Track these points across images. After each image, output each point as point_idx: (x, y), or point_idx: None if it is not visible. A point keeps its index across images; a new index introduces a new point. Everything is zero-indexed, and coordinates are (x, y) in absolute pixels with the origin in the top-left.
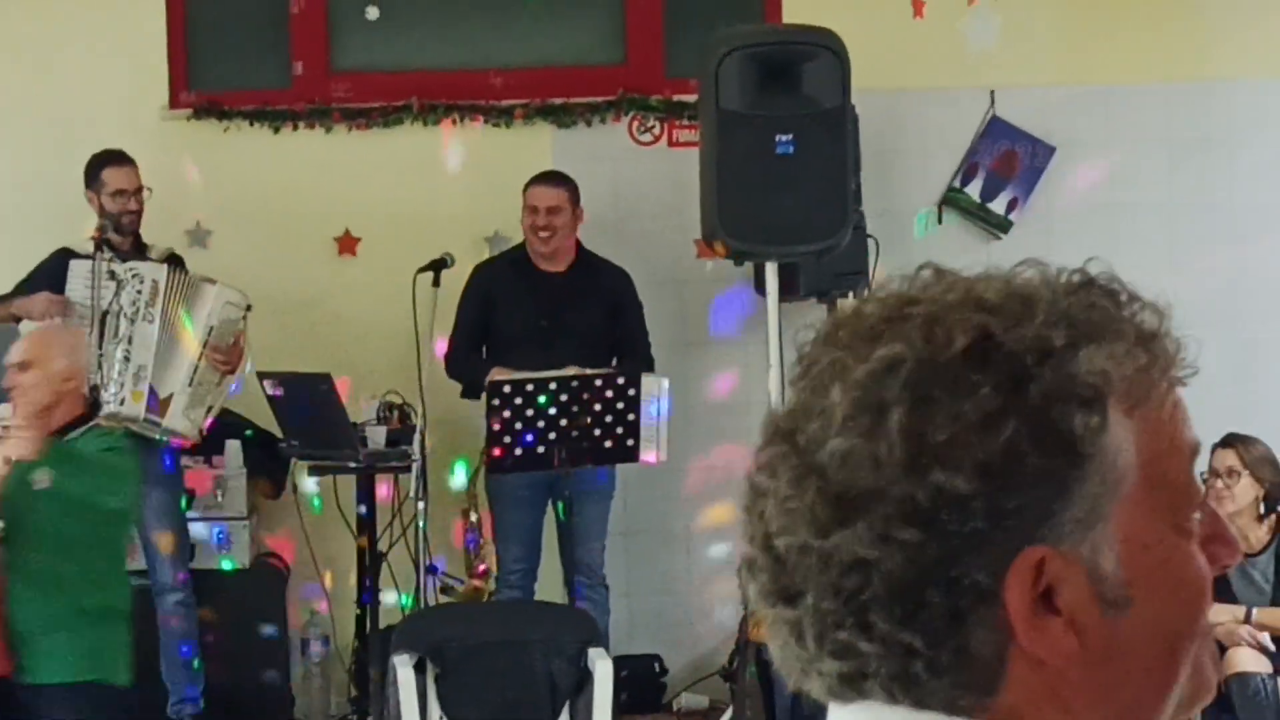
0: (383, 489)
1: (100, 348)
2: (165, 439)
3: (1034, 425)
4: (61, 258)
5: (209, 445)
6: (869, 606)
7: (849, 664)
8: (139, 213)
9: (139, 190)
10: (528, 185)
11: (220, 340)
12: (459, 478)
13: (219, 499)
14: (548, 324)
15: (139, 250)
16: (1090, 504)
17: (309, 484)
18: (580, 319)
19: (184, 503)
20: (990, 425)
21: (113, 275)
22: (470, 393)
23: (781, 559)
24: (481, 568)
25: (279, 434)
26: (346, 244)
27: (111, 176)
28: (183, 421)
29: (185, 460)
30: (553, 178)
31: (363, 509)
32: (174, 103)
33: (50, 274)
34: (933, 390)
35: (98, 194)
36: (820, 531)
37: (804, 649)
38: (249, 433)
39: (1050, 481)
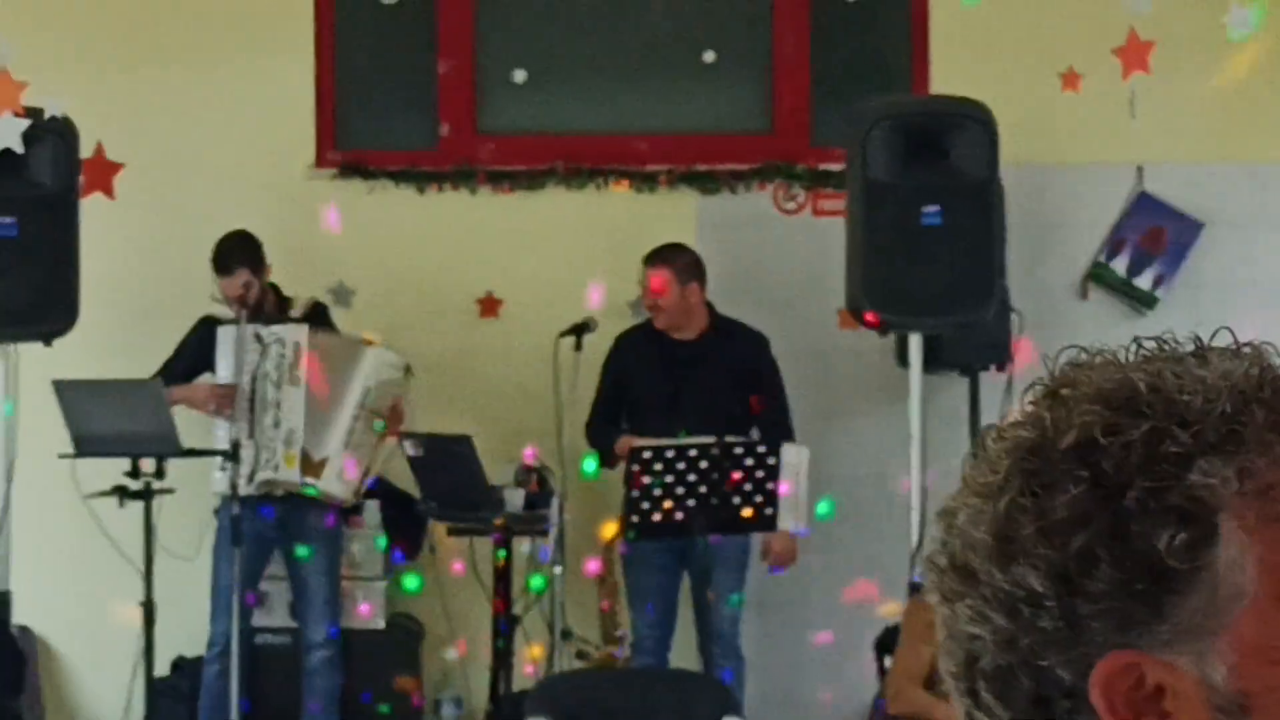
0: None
1: (251, 414)
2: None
3: (1113, 536)
4: (206, 326)
5: (349, 506)
6: (978, 676)
7: None
8: (250, 302)
9: (246, 287)
10: (643, 262)
11: (379, 404)
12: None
13: (359, 560)
14: (676, 391)
15: (281, 308)
16: (1193, 616)
17: (446, 546)
18: (708, 386)
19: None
20: (1071, 528)
21: (258, 338)
22: (606, 461)
23: (940, 619)
24: (617, 634)
25: (417, 494)
26: (489, 305)
27: (219, 284)
28: (338, 485)
29: None
30: (657, 257)
31: (499, 572)
32: (320, 161)
33: (197, 345)
34: (1037, 480)
35: None
36: (946, 600)
37: (957, 702)
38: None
39: (1129, 593)
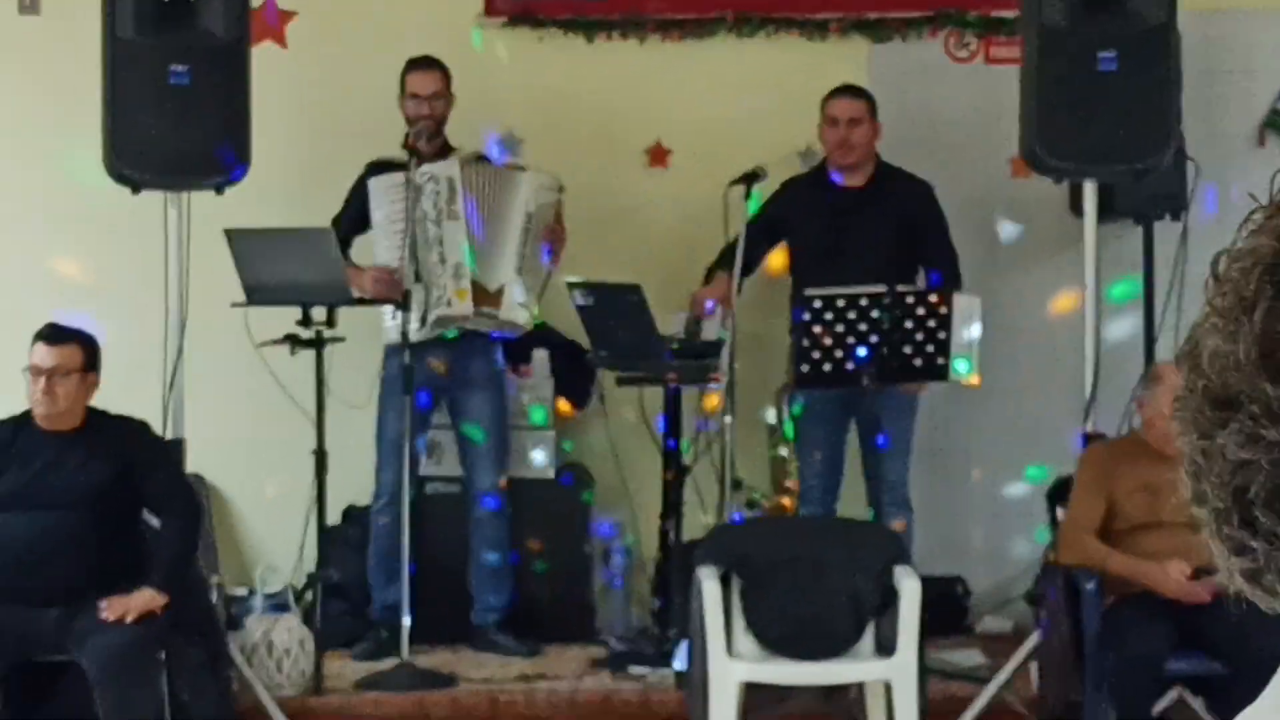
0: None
1: (416, 258)
2: (499, 331)
3: None
4: (369, 173)
5: (517, 355)
6: (1253, 503)
7: (1245, 560)
8: (435, 118)
9: (436, 96)
10: (827, 98)
11: (540, 225)
12: (768, 414)
13: (526, 408)
14: (839, 240)
15: (444, 156)
16: None
17: (615, 396)
18: (871, 234)
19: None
20: None
21: (409, 183)
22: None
23: (1192, 460)
24: (786, 484)
25: (586, 344)
26: (658, 155)
27: (411, 81)
28: (518, 311)
29: None
30: (852, 90)
31: (668, 422)
32: (489, 9)
33: (358, 199)
34: None
35: (403, 100)
36: (1205, 433)
37: (1216, 547)
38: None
39: None
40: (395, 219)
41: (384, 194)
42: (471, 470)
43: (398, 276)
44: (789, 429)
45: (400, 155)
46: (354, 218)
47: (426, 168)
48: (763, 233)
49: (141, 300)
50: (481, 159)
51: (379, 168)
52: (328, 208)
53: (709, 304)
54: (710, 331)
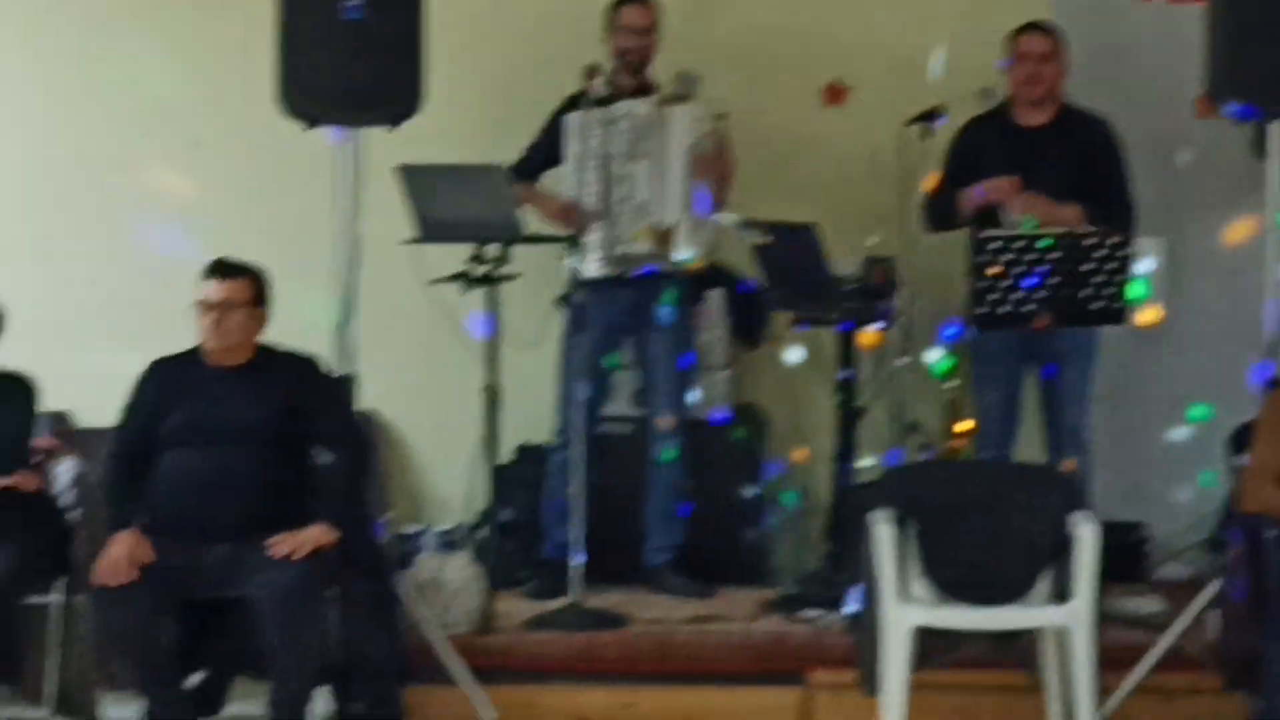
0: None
1: (605, 196)
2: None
3: None
4: (565, 108)
5: (692, 294)
6: None
7: None
8: (644, 53)
9: (648, 30)
10: (1017, 33)
11: (703, 153)
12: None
13: (702, 348)
14: (1021, 178)
15: (644, 93)
16: None
17: (790, 337)
18: (1052, 173)
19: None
20: None
21: (601, 122)
22: (949, 226)
23: None
24: (961, 427)
25: (762, 283)
26: (835, 93)
27: (626, 14)
28: (689, 250)
29: None
30: (1043, 27)
31: (843, 363)
32: None
33: (551, 133)
34: None
35: (613, 35)
36: None
37: None
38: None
39: None
40: (587, 155)
41: (579, 130)
42: (649, 410)
43: (584, 211)
44: (944, 368)
45: (595, 90)
46: (545, 152)
47: (621, 105)
48: (957, 171)
49: (314, 237)
50: (676, 98)
51: (574, 103)
52: (501, 144)
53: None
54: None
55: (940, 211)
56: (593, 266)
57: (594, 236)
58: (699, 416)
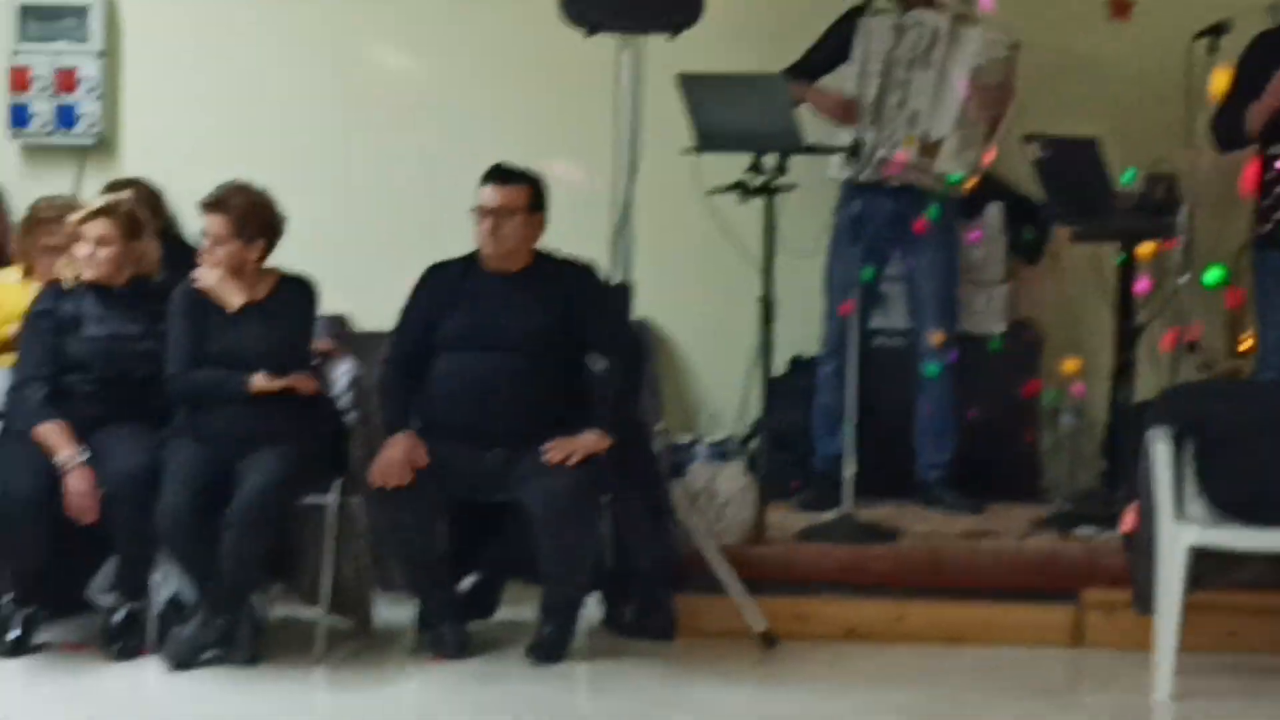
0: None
1: (880, 100)
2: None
3: None
4: (852, 14)
5: (969, 208)
6: None
7: None
8: None
9: None
10: None
11: (987, 78)
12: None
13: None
14: None
15: (930, 4)
16: None
17: (1069, 252)
18: None
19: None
20: None
21: (896, 28)
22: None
23: None
24: (1242, 345)
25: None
26: (1120, 6)
27: None
28: (952, 164)
29: None
30: None
31: (1122, 280)
32: None
33: (841, 35)
34: None
35: None
36: None
37: None
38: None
39: None
40: (871, 57)
41: (869, 32)
42: (919, 323)
43: (861, 110)
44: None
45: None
46: (828, 54)
47: (917, 14)
48: (1248, 84)
49: (592, 145)
50: (962, 17)
51: (861, 9)
52: (780, 53)
53: None
54: None
55: (1229, 127)
56: (859, 174)
57: (865, 141)
58: (973, 330)
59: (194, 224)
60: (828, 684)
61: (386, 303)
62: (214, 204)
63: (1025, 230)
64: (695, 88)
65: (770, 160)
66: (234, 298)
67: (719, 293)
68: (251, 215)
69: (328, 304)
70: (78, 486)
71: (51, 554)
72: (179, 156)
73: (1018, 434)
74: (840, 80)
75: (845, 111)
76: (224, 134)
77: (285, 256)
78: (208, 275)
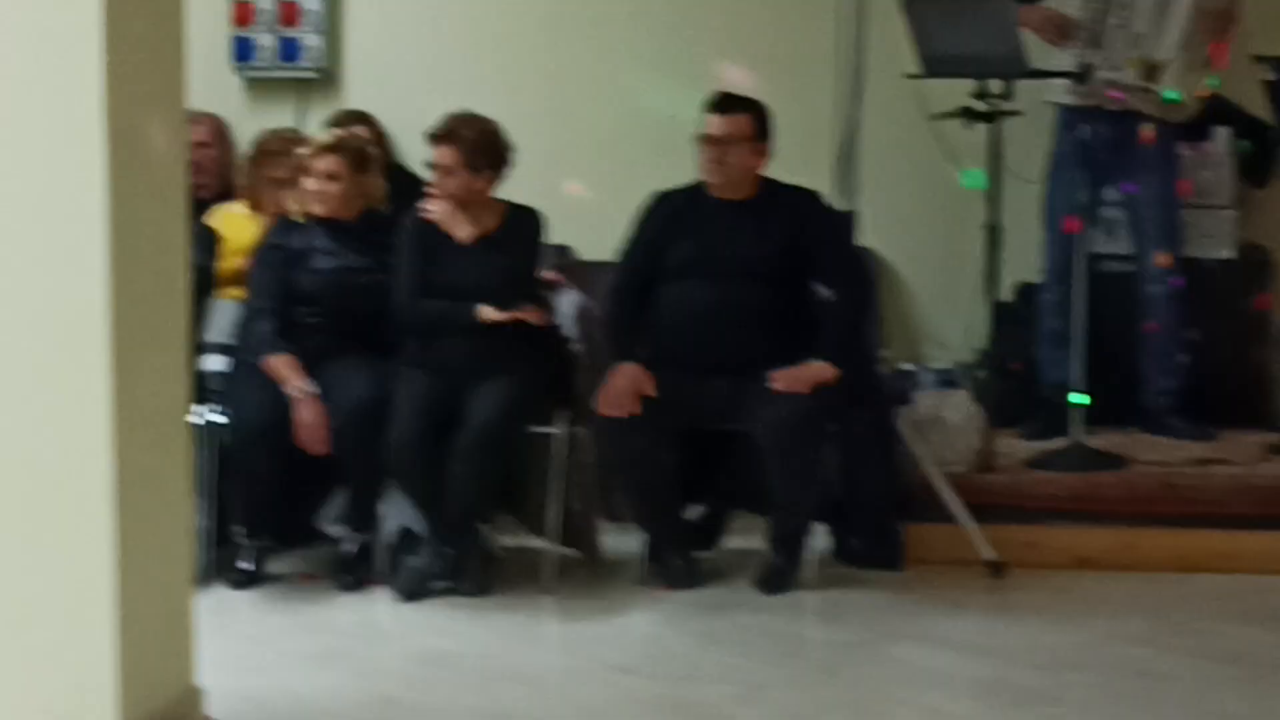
0: None
1: (1101, 20)
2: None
3: None
4: None
5: (1195, 132)
6: None
7: None
8: None
9: None
10: None
11: (1212, 5)
12: None
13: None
14: None
15: None
16: None
17: None
18: None
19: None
20: None
21: None
22: None
23: None
24: None
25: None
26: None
27: None
28: (1176, 89)
29: None
30: None
31: None
32: None
33: None
34: None
35: None
36: None
37: None
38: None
39: None
40: None
41: None
42: (1142, 248)
43: (1075, 26)
44: None
45: None
46: None
47: None
48: None
49: (815, 71)
50: None
51: None
52: None
53: None
54: None
55: None
56: (1077, 96)
57: (1093, 64)
58: (1201, 255)
59: (417, 155)
60: (1057, 613)
61: (608, 235)
62: (443, 135)
63: (1240, 144)
64: (919, 12)
65: (995, 85)
66: (463, 229)
67: (944, 219)
68: (480, 146)
69: (553, 234)
70: (308, 418)
71: (282, 485)
72: (401, 88)
73: (1245, 359)
74: (1060, 1)
75: (1059, 31)
76: (445, 65)
77: (510, 188)
78: (437, 207)
